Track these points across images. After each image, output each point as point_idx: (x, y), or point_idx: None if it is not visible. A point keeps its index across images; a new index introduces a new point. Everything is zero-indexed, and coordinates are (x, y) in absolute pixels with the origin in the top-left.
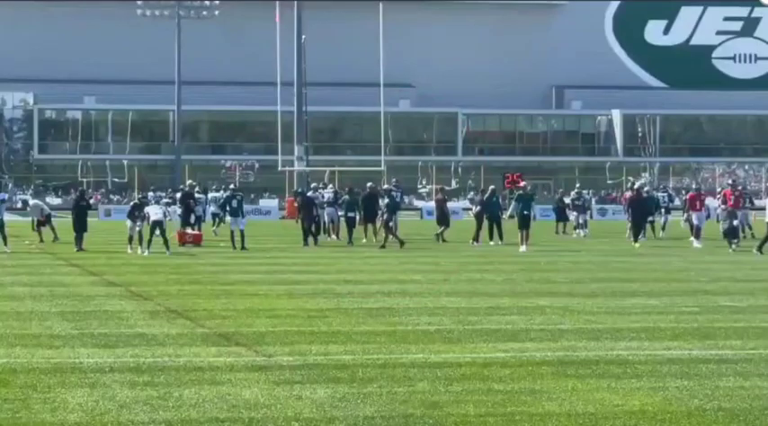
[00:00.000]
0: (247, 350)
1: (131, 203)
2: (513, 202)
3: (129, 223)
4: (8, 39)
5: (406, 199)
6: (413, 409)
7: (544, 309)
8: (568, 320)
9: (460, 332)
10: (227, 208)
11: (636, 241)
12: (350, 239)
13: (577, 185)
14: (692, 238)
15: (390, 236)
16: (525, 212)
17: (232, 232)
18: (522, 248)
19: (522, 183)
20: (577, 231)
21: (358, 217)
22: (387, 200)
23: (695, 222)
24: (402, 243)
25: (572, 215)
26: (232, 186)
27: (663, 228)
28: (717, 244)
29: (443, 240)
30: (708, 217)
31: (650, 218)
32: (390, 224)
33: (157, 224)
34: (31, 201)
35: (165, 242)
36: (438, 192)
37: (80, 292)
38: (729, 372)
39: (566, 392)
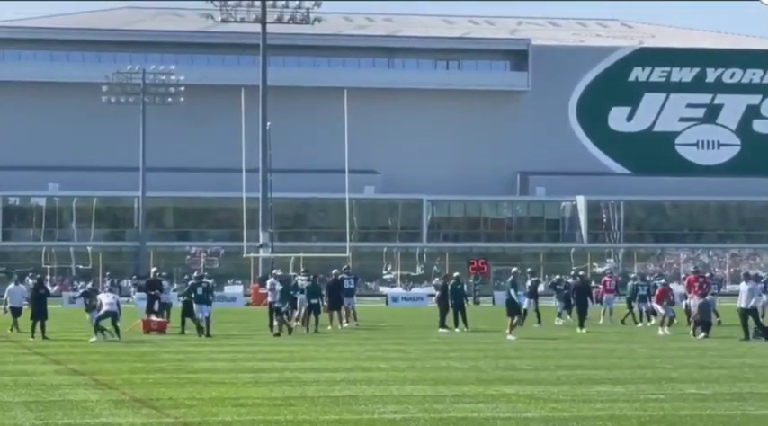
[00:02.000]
0: None
1: (81, 292)
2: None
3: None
4: None
5: (371, 286)
6: None
7: (510, 397)
8: (534, 408)
9: (426, 420)
10: (193, 295)
11: (582, 326)
12: (316, 327)
13: (573, 269)
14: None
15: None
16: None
17: (197, 320)
18: (510, 336)
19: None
20: (560, 319)
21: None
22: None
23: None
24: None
25: (554, 301)
26: (196, 273)
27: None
28: (681, 330)
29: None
30: (672, 303)
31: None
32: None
33: (110, 314)
34: (12, 286)
35: (117, 330)
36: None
37: (44, 381)
38: None
39: None
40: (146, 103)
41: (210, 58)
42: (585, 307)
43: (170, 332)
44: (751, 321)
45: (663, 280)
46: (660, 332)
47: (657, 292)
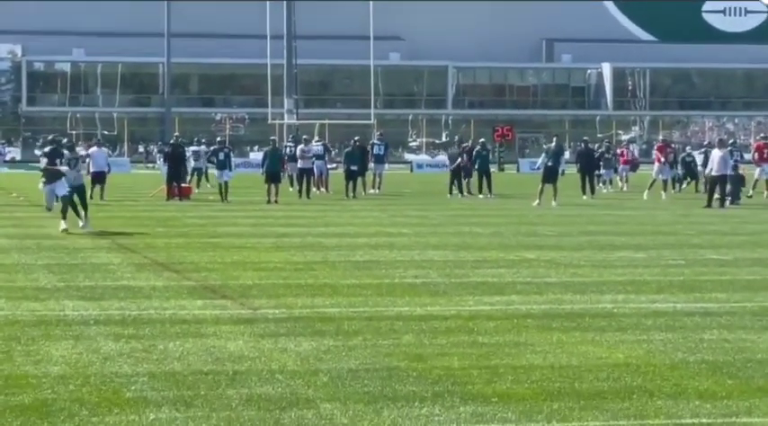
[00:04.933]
0: (233, 303)
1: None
2: (543, 155)
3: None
4: None
5: (396, 153)
6: (397, 361)
7: (531, 262)
8: (554, 273)
9: (447, 285)
10: (214, 161)
11: (585, 194)
12: (354, 192)
13: (625, 137)
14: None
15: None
16: (551, 165)
17: (219, 185)
18: (553, 203)
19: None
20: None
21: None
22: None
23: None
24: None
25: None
26: (219, 139)
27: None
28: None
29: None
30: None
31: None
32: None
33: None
34: (94, 149)
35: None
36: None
37: (66, 245)
38: (714, 325)
39: (550, 345)
40: None
41: None
42: (591, 175)
43: (194, 198)
44: None
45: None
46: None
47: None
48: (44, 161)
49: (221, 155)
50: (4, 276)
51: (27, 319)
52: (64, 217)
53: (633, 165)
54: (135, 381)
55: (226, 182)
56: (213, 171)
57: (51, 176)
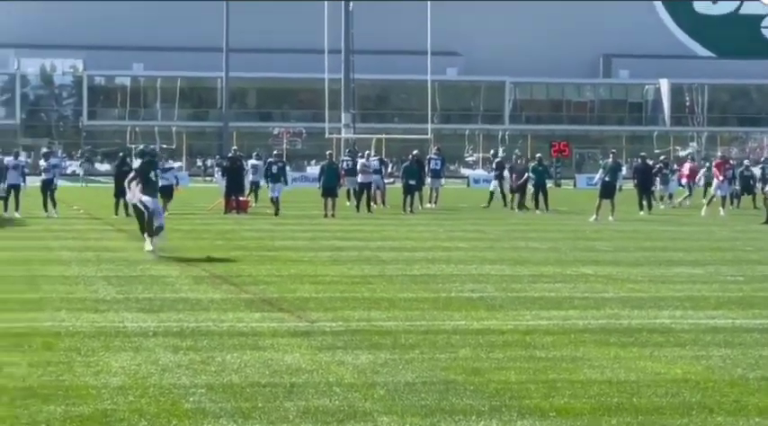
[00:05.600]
0: (290, 316)
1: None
2: (600, 170)
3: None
4: (59, 6)
5: (453, 168)
6: (454, 375)
7: (588, 277)
8: (612, 288)
9: (504, 299)
10: (269, 175)
11: (642, 209)
12: (411, 206)
13: (683, 153)
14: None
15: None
16: (609, 181)
17: (271, 198)
18: (610, 218)
19: (612, 151)
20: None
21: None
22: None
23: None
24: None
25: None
26: (275, 152)
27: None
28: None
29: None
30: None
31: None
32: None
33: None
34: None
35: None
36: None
37: (126, 257)
38: None
39: (608, 360)
40: None
41: None
42: (648, 191)
43: (251, 212)
44: None
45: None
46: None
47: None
48: (133, 174)
49: (275, 169)
50: (65, 288)
51: (87, 330)
52: (150, 234)
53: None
54: (193, 392)
55: (277, 197)
56: (266, 184)
57: (151, 189)
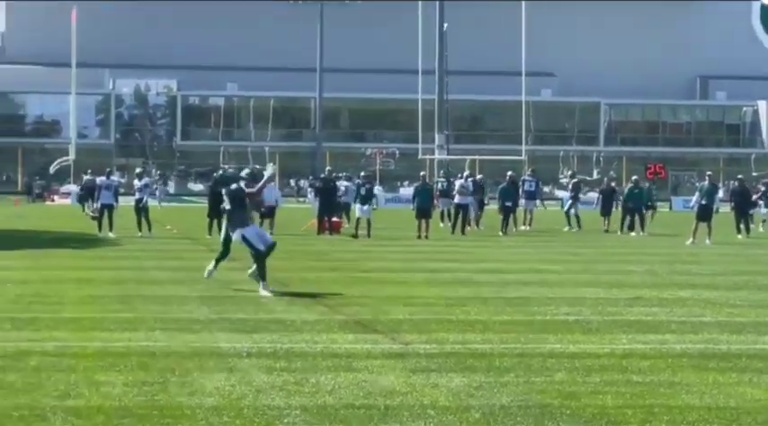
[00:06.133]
0: (384, 338)
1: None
2: (696, 193)
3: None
4: (153, 27)
5: (547, 189)
6: (550, 399)
7: (685, 301)
8: (710, 312)
9: (600, 322)
10: (358, 196)
11: (740, 232)
12: (505, 228)
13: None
14: None
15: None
16: (706, 203)
17: (358, 219)
18: (707, 242)
19: (708, 173)
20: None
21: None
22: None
23: None
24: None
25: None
26: (362, 173)
27: None
28: None
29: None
30: None
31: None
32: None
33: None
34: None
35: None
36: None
37: (220, 277)
38: None
39: (706, 385)
40: (323, 4)
41: None
42: (746, 214)
43: (344, 233)
44: None
45: None
46: None
47: None
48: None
49: (363, 190)
50: (160, 308)
51: (182, 351)
52: (263, 278)
53: None
54: (287, 414)
55: (368, 219)
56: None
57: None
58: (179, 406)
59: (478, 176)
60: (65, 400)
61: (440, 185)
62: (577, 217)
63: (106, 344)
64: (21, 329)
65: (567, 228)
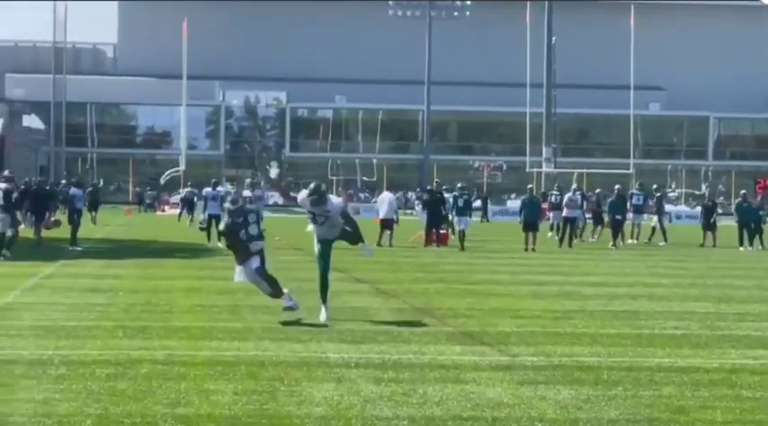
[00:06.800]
0: (491, 350)
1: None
2: None
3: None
4: (262, 40)
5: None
6: (658, 413)
7: None
8: None
9: (708, 337)
10: (455, 207)
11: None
12: (614, 242)
13: None
14: None
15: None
16: None
17: (461, 231)
18: None
19: None
20: None
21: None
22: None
23: None
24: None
25: None
26: (459, 185)
27: None
28: None
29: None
30: None
31: None
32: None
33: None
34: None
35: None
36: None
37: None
38: None
39: None
40: (432, 17)
41: None
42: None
43: (451, 244)
44: None
45: None
46: None
47: None
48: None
49: (460, 202)
50: (268, 317)
51: (290, 360)
52: (325, 300)
53: None
54: (395, 424)
55: (462, 230)
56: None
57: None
58: (287, 415)
59: (597, 190)
60: (175, 408)
61: (553, 198)
62: (663, 230)
63: (215, 353)
64: (132, 337)
65: (662, 243)
